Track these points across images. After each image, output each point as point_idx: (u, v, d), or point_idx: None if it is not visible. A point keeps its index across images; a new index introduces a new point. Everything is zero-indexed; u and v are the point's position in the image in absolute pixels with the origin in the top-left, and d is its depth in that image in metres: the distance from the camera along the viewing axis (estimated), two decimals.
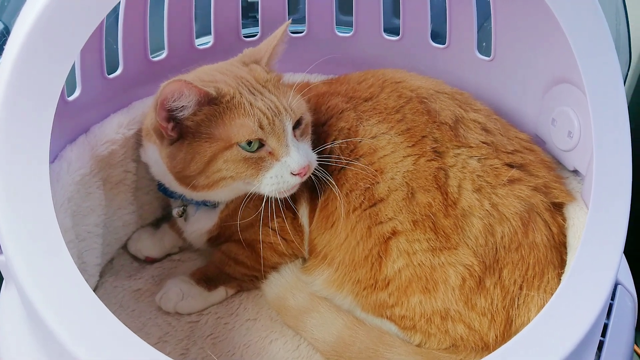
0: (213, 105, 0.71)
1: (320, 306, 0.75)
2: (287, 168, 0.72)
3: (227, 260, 0.84)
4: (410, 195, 0.71)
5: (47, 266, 0.50)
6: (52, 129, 0.53)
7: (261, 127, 0.70)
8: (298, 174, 0.72)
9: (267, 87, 0.75)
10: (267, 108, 0.72)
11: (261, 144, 0.72)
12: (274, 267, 0.83)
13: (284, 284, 0.79)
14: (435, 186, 0.70)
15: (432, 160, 0.72)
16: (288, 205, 0.82)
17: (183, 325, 0.80)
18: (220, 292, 0.84)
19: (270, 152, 0.72)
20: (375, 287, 0.72)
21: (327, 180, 0.76)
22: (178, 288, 0.82)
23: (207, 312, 0.82)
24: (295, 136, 0.74)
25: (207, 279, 0.83)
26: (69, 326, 0.48)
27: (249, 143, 0.71)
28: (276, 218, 0.81)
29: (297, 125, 0.75)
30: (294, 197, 0.82)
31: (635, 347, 0.93)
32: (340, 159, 0.77)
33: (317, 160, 0.76)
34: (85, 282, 0.49)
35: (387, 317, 0.73)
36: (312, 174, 0.75)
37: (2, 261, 0.56)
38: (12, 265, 0.50)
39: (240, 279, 0.84)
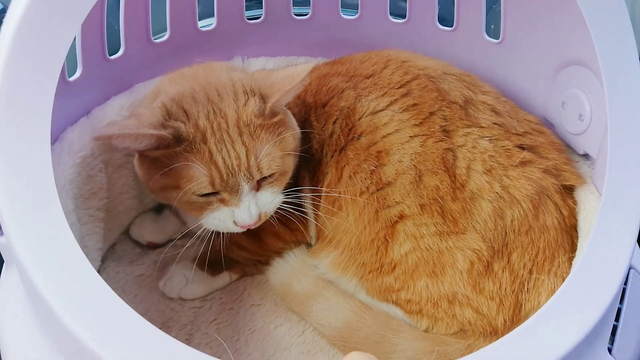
0: (167, 148, 0.66)
1: (326, 291, 0.74)
2: (231, 217, 0.69)
3: (230, 245, 0.83)
4: (417, 179, 0.69)
5: (50, 247, 0.48)
6: (54, 110, 0.52)
7: (212, 184, 0.66)
8: (241, 227, 0.70)
9: (245, 132, 0.67)
10: (225, 165, 0.66)
11: (214, 192, 0.68)
12: (278, 253, 0.82)
13: (288, 269, 0.78)
14: (443, 168, 0.69)
15: (440, 141, 0.70)
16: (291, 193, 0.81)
17: (187, 310, 0.79)
18: (224, 277, 0.83)
19: (221, 199, 0.68)
20: (381, 270, 0.71)
21: (299, 212, 0.74)
22: (181, 274, 0.81)
23: (211, 297, 0.81)
24: (259, 186, 0.70)
25: (211, 264, 0.82)
26: (72, 307, 0.46)
27: None
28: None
29: (270, 175, 0.70)
30: (297, 184, 0.81)
31: None
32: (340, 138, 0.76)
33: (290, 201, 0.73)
34: (89, 262, 0.48)
35: (392, 302, 0.72)
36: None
37: (2, 243, 0.55)
38: (13, 247, 0.49)
39: (244, 263, 0.83)
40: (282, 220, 0.78)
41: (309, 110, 0.80)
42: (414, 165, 0.70)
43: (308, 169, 0.79)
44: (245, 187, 0.67)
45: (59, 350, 0.52)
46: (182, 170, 0.65)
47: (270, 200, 0.71)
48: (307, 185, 0.80)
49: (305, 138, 0.79)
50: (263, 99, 0.69)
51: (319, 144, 0.78)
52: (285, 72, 0.71)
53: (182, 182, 0.66)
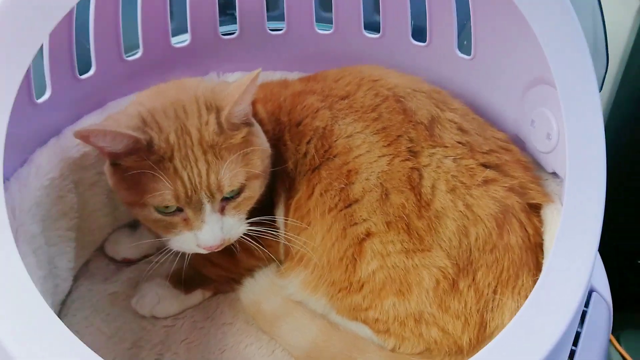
0: (140, 154, 0.67)
1: (294, 311, 0.75)
2: (194, 240, 0.70)
3: (203, 261, 0.83)
4: (384, 196, 0.70)
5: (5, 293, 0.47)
6: (21, 132, 0.52)
7: (177, 199, 0.67)
8: (204, 248, 0.70)
9: (209, 151, 0.68)
10: (189, 181, 0.67)
11: (179, 209, 0.68)
12: (251, 270, 0.82)
13: (258, 289, 0.79)
14: (409, 187, 0.69)
15: (407, 160, 0.71)
16: (266, 210, 0.81)
17: (158, 329, 0.79)
18: (197, 295, 0.83)
19: (185, 219, 0.69)
20: (349, 289, 0.71)
21: (256, 246, 0.74)
22: (154, 292, 0.82)
23: (183, 316, 0.81)
24: (223, 209, 0.70)
25: (184, 282, 0.82)
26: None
27: (166, 206, 0.68)
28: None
29: (232, 195, 0.70)
30: (272, 202, 0.81)
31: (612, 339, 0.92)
32: (314, 158, 0.76)
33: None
34: (47, 305, 0.47)
35: (361, 320, 0.72)
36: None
37: None
38: None
39: (217, 280, 0.83)
40: (254, 237, 0.79)
41: (283, 129, 0.81)
42: (380, 183, 0.71)
43: (285, 186, 0.80)
44: (208, 206, 0.68)
45: None
46: (148, 183, 0.66)
47: (236, 226, 0.71)
48: (283, 205, 0.81)
49: (282, 157, 0.80)
50: (218, 112, 0.69)
51: (293, 163, 0.79)
52: (238, 82, 0.71)
53: (148, 196, 0.67)
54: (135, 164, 0.67)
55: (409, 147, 0.72)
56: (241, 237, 0.74)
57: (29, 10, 0.51)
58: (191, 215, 0.68)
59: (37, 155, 0.74)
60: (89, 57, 0.83)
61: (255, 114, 0.81)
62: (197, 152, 0.67)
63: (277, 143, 0.80)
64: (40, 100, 0.75)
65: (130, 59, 0.89)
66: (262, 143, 0.75)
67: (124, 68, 0.88)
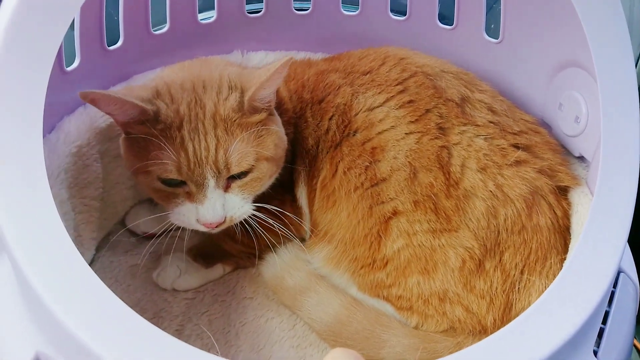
0: (147, 124, 0.66)
1: (318, 286, 0.74)
2: (195, 214, 0.69)
3: (224, 237, 0.83)
4: (412, 176, 0.70)
5: (40, 237, 0.48)
6: (51, 100, 0.52)
7: (179, 170, 0.66)
8: (204, 225, 0.69)
9: (220, 126, 0.67)
10: (194, 154, 0.65)
11: (183, 182, 0.68)
12: (272, 247, 0.82)
13: (281, 264, 0.78)
14: (438, 166, 0.69)
15: (436, 138, 0.70)
16: (287, 186, 0.81)
17: (179, 301, 0.79)
18: (218, 269, 0.83)
19: (187, 192, 0.68)
20: (373, 266, 0.71)
21: (255, 233, 0.73)
22: (175, 265, 0.82)
23: (204, 289, 0.82)
24: (228, 187, 0.69)
25: (204, 256, 0.83)
26: (61, 297, 0.46)
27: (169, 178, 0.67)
28: (273, 201, 0.80)
29: (239, 175, 0.69)
30: (293, 180, 0.81)
31: (635, 341, 0.92)
32: (335, 135, 0.76)
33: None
34: (79, 254, 0.48)
35: (383, 297, 0.72)
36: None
37: None
38: (4, 236, 0.49)
39: (237, 256, 0.83)
40: (277, 215, 0.78)
41: (305, 107, 0.81)
42: (408, 162, 0.70)
43: (304, 163, 0.79)
44: (211, 181, 0.67)
45: (49, 341, 0.52)
46: (154, 152, 0.66)
47: (239, 205, 0.70)
48: (303, 184, 0.81)
49: (302, 134, 0.80)
50: (243, 93, 0.69)
51: (314, 140, 0.78)
52: (267, 67, 0.71)
53: (151, 165, 0.66)
54: (143, 132, 0.67)
55: (438, 124, 0.71)
56: (264, 213, 0.73)
57: None
58: (193, 189, 0.68)
59: (65, 123, 0.75)
60: (118, 29, 0.83)
61: (276, 92, 0.81)
62: (208, 125, 0.67)
63: (298, 121, 0.80)
64: (69, 69, 0.75)
65: (157, 32, 0.89)
66: (279, 130, 0.74)
67: (151, 41, 0.88)
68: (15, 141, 0.50)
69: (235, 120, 0.68)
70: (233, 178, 0.69)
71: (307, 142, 0.79)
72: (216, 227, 0.70)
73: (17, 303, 0.55)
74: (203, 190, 0.67)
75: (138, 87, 0.71)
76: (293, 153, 0.80)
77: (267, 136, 0.71)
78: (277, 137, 0.73)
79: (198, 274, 0.82)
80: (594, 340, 0.56)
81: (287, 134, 0.78)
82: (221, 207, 0.68)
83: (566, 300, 0.53)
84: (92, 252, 0.81)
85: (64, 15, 0.52)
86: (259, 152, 0.69)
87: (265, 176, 0.72)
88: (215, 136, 0.67)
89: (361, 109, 0.75)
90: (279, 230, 0.75)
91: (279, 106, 0.80)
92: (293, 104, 0.81)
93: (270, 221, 0.73)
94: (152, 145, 0.66)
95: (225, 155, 0.67)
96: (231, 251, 0.83)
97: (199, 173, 0.66)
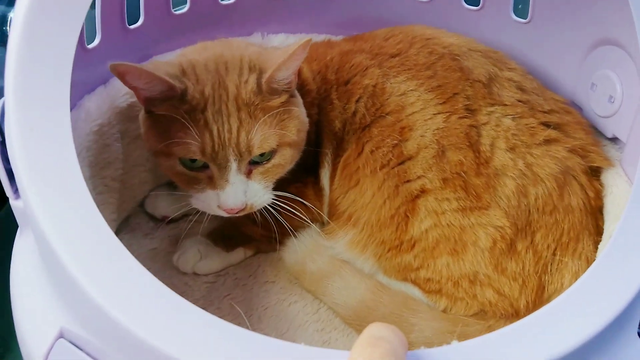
0: (173, 102, 0.66)
1: (342, 270, 0.73)
2: (216, 200, 0.68)
3: (244, 220, 0.81)
4: (440, 153, 0.68)
5: (69, 211, 0.47)
6: (72, 76, 0.51)
7: (203, 152, 0.65)
8: (225, 210, 0.68)
9: (243, 109, 0.66)
10: (218, 135, 0.65)
11: (206, 165, 0.67)
12: (293, 230, 0.80)
13: (302, 249, 0.77)
14: (467, 144, 0.67)
15: (464, 117, 0.69)
16: (310, 168, 0.79)
17: (200, 285, 0.78)
18: (239, 253, 0.82)
19: (209, 177, 0.68)
20: (400, 248, 0.70)
21: (276, 218, 0.72)
22: (196, 248, 0.80)
23: (225, 273, 0.80)
24: (250, 173, 0.68)
25: (225, 239, 0.81)
26: (89, 270, 0.45)
27: (192, 160, 0.67)
28: (296, 183, 0.79)
29: (261, 160, 0.69)
30: (317, 159, 0.79)
31: None
32: (364, 117, 0.74)
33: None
34: (108, 226, 0.47)
35: (411, 281, 0.70)
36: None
37: (19, 207, 0.54)
38: (31, 211, 0.48)
39: (258, 240, 0.82)
40: (297, 196, 0.77)
41: (330, 88, 0.79)
42: (436, 140, 0.69)
43: (332, 145, 0.78)
44: (234, 165, 0.66)
45: (73, 315, 0.51)
46: (177, 132, 0.65)
47: (260, 193, 0.70)
48: (329, 164, 0.79)
49: (327, 116, 0.78)
50: (261, 74, 0.67)
51: (341, 123, 0.77)
52: (286, 48, 0.69)
53: (174, 145, 0.65)
54: (168, 110, 0.66)
55: (466, 105, 0.70)
56: (280, 201, 0.72)
57: None
58: (216, 173, 0.67)
59: (85, 101, 0.74)
60: (138, 8, 0.82)
61: (299, 74, 0.79)
62: (231, 107, 0.66)
63: (322, 102, 0.79)
64: (90, 46, 0.74)
65: (177, 12, 0.88)
66: (301, 114, 0.73)
67: (171, 21, 0.87)
68: (44, 116, 0.49)
69: (257, 104, 0.67)
70: (255, 164, 0.68)
71: (333, 125, 0.77)
72: (237, 212, 0.69)
73: (41, 279, 0.55)
74: (225, 174, 0.66)
75: (164, 63, 0.70)
76: (317, 134, 0.78)
77: (289, 120, 0.69)
78: (299, 120, 0.71)
79: (219, 257, 0.81)
80: (638, 321, 0.54)
81: (310, 115, 0.77)
82: (243, 193, 0.68)
83: (606, 281, 0.51)
84: None
85: None
86: (281, 135, 0.68)
87: (288, 162, 0.72)
88: (238, 118, 0.66)
89: (394, 93, 0.73)
90: (299, 217, 0.74)
91: (302, 87, 0.78)
92: (317, 84, 0.80)
93: (290, 209, 0.72)
94: (176, 125, 0.65)
95: (248, 137, 0.66)
96: (252, 235, 0.82)
97: (222, 155, 0.66)
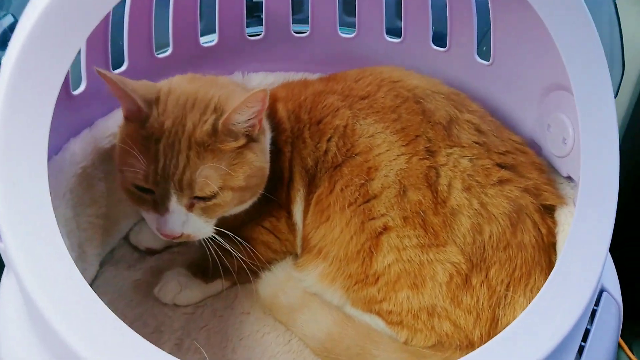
0: (136, 125, 0.71)
1: (310, 303, 0.77)
2: (156, 223, 0.72)
3: (223, 253, 0.85)
4: (402, 193, 0.72)
5: (44, 260, 0.51)
6: (58, 122, 0.55)
7: (146, 179, 0.69)
8: (162, 235, 0.73)
9: (193, 148, 0.69)
10: (163, 168, 0.69)
11: (151, 190, 0.71)
12: (268, 263, 0.84)
13: (276, 282, 0.81)
14: (426, 184, 0.72)
15: (424, 159, 0.73)
16: (283, 203, 0.84)
17: (179, 316, 0.82)
18: (217, 285, 0.85)
19: (154, 201, 0.71)
20: (365, 281, 0.74)
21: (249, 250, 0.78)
22: (176, 280, 0.84)
23: (203, 304, 0.84)
24: (192, 206, 0.72)
25: (204, 271, 0.85)
26: (63, 316, 0.49)
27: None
28: (269, 218, 0.83)
29: (204, 199, 0.72)
30: (289, 196, 0.84)
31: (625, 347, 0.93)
32: (336, 156, 0.78)
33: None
34: (80, 273, 0.50)
35: (375, 312, 0.74)
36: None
37: (1, 248, 0.58)
38: (9, 254, 0.52)
39: (237, 271, 0.86)
40: (270, 229, 0.81)
41: (303, 127, 0.83)
42: (399, 180, 0.73)
43: (304, 182, 0.82)
44: (174, 197, 0.70)
45: (51, 356, 0.54)
46: (129, 157, 0.70)
47: (200, 226, 0.74)
48: (301, 200, 0.83)
49: (300, 154, 0.82)
50: (220, 115, 0.71)
51: (313, 161, 0.81)
52: (246, 94, 0.70)
53: (124, 166, 0.70)
54: (130, 133, 0.71)
55: (426, 147, 0.74)
56: (260, 227, 0.77)
57: (72, 11, 0.55)
58: (159, 199, 0.71)
59: (71, 145, 0.78)
60: (122, 53, 0.87)
61: (275, 113, 0.84)
62: (183, 145, 0.70)
63: (295, 141, 0.83)
64: (75, 92, 0.79)
65: (160, 56, 0.92)
66: (256, 160, 0.75)
67: (155, 64, 0.92)
68: (21, 163, 0.53)
69: (208, 145, 0.70)
70: (198, 199, 0.72)
71: (306, 162, 0.82)
72: (174, 239, 0.74)
73: (22, 317, 0.59)
74: (166, 203, 0.70)
75: (149, 84, 0.74)
76: (291, 172, 0.83)
77: (239, 165, 0.72)
78: (251, 167, 0.74)
79: (198, 289, 0.84)
80: (574, 357, 0.58)
81: (284, 153, 0.81)
82: (181, 223, 0.72)
83: (546, 316, 0.55)
84: (95, 268, 0.84)
85: (71, 45, 0.55)
86: (227, 179, 0.71)
87: (229, 204, 0.75)
88: (186, 156, 0.69)
89: (364, 134, 0.78)
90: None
91: (278, 125, 0.83)
92: (291, 123, 0.84)
93: (228, 246, 0.76)
94: (130, 151, 0.70)
95: (191, 177, 0.69)
96: (230, 267, 0.86)
97: (163, 187, 0.70)
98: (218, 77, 0.85)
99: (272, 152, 0.81)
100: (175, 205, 0.71)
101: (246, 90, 0.84)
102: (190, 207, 0.72)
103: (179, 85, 0.76)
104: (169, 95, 0.73)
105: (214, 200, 0.72)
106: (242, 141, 0.73)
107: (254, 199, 0.79)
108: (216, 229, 0.76)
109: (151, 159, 0.69)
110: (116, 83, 0.68)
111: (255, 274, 0.84)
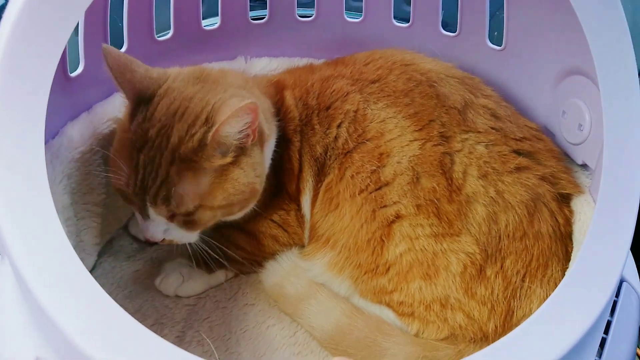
0: (129, 125, 0.68)
1: (318, 293, 0.74)
2: (140, 225, 0.72)
3: (227, 244, 0.83)
4: (415, 180, 0.70)
5: (41, 245, 0.48)
6: (54, 104, 0.52)
7: (127, 186, 0.67)
8: (145, 237, 0.72)
9: (175, 162, 0.65)
10: (142, 181, 0.66)
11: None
12: (274, 255, 0.82)
13: (281, 271, 0.78)
14: (440, 171, 0.69)
15: (439, 145, 0.71)
16: (293, 195, 0.81)
17: (180, 308, 0.79)
18: (220, 275, 0.83)
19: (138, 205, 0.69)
20: (375, 271, 0.71)
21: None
22: (178, 272, 0.81)
23: (205, 295, 0.81)
24: (172, 217, 0.69)
25: (206, 261, 0.82)
26: (60, 303, 0.46)
27: None
28: (279, 211, 0.80)
29: (183, 214, 0.68)
30: (298, 187, 0.81)
31: (638, 350, 0.91)
32: (347, 142, 0.76)
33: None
34: (80, 261, 0.48)
35: (385, 303, 0.72)
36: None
37: None
38: (5, 241, 0.49)
39: (240, 262, 0.83)
40: (279, 223, 0.78)
41: (311, 113, 0.80)
42: (411, 166, 0.71)
43: (313, 172, 0.80)
44: (152, 210, 0.68)
45: (48, 345, 0.52)
46: (118, 157, 0.68)
47: (181, 234, 0.72)
48: (310, 190, 0.80)
49: (309, 142, 0.79)
50: (210, 127, 0.65)
51: (323, 148, 0.78)
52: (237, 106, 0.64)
53: (113, 167, 0.68)
54: (122, 132, 0.69)
55: (441, 132, 0.72)
56: (268, 220, 0.76)
57: None
58: (140, 206, 0.68)
59: (68, 128, 0.75)
60: (122, 35, 0.84)
61: (282, 101, 0.81)
62: (164, 159, 0.65)
63: (304, 128, 0.80)
64: (73, 74, 0.76)
65: (161, 39, 0.90)
66: (243, 177, 0.70)
67: (155, 47, 0.89)
68: (18, 148, 0.50)
69: (190, 162, 0.66)
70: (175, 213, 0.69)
71: (315, 150, 0.79)
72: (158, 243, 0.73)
73: (18, 306, 0.56)
74: (147, 211, 0.68)
75: (154, 76, 0.70)
76: (301, 162, 0.80)
77: (219, 185, 0.68)
78: (234, 185, 0.69)
79: (201, 279, 0.82)
80: (596, 349, 0.55)
81: (293, 143, 0.79)
82: (162, 231, 0.71)
83: (567, 309, 0.53)
84: (94, 258, 0.82)
85: (67, 20, 0.52)
86: (204, 199, 0.68)
87: (209, 221, 0.72)
88: (166, 171, 0.65)
89: (375, 119, 0.75)
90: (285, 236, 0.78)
91: (286, 114, 0.80)
92: (299, 111, 0.81)
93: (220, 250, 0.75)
94: (120, 153, 0.68)
95: (168, 194, 0.66)
96: (233, 257, 0.83)
97: (141, 198, 0.67)
98: (228, 72, 0.78)
99: (281, 143, 0.78)
100: (155, 215, 0.68)
101: (252, 90, 0.78)
102: (171, 218, 0.69)
103: (179, 85, 0.70)
104: (164, 97, 0.68)
105: (192, 217, 0.69)
106: (229, 158, 0.67)
107: (246, 210, 0.75)
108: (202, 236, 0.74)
109: (132, 169, 0.66)
110: (121, 60, 0.65)
111: (260, 265, 0.81)
